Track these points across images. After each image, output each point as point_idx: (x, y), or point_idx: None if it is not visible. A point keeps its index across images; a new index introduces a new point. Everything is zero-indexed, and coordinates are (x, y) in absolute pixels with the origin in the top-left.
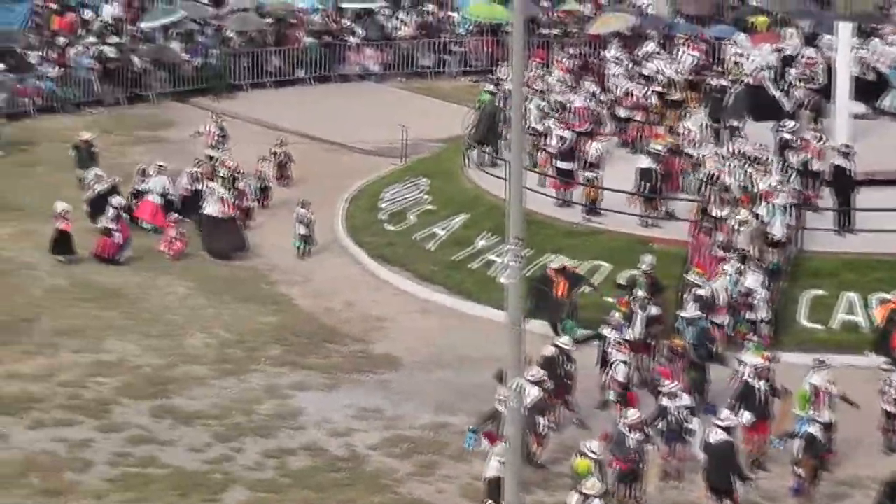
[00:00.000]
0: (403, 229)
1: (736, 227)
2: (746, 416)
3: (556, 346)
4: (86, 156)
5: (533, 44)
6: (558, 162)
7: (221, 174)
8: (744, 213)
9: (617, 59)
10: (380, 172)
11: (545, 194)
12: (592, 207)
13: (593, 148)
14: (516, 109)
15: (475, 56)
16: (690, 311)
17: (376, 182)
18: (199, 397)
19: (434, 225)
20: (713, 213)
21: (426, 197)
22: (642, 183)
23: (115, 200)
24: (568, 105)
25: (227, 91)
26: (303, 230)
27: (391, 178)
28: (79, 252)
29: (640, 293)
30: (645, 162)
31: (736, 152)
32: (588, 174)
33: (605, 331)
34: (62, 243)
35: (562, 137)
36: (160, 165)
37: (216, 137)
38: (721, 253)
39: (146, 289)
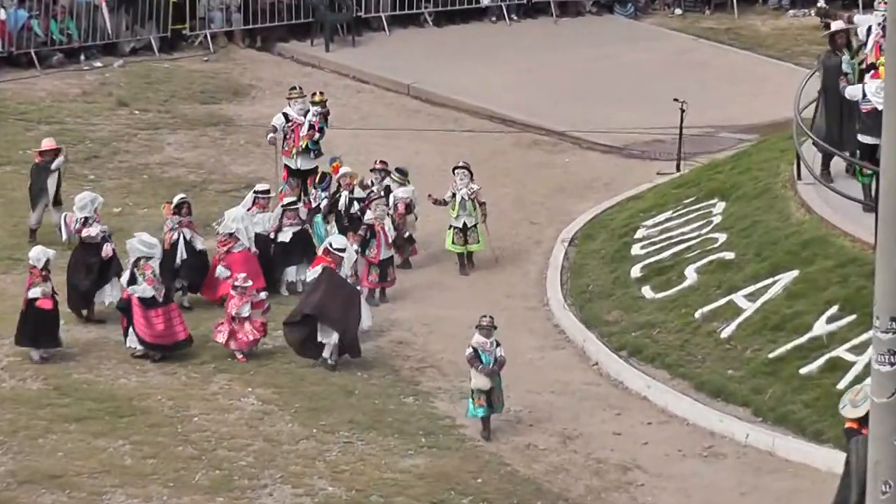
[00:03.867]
0: (676, 298)
1: None
2: None
3: None
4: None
5: None
6: None
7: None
8: None
9: None
10: (634, 189)
11: None
12: None
13: None
14: (893, 73)
15: None
16: None
17: (626, 207)
18: None
19: (734, 290)
20: None
21: (720, 237)
22: None
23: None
24: None
25: (349, 31)
26: (482, 382)
27: (654, 201)
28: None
29: None
30: None
31: None
32: None
33: None
34: (39, 323)
35: None
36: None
37: (314, 131)
38: None
39: (184, 400)
